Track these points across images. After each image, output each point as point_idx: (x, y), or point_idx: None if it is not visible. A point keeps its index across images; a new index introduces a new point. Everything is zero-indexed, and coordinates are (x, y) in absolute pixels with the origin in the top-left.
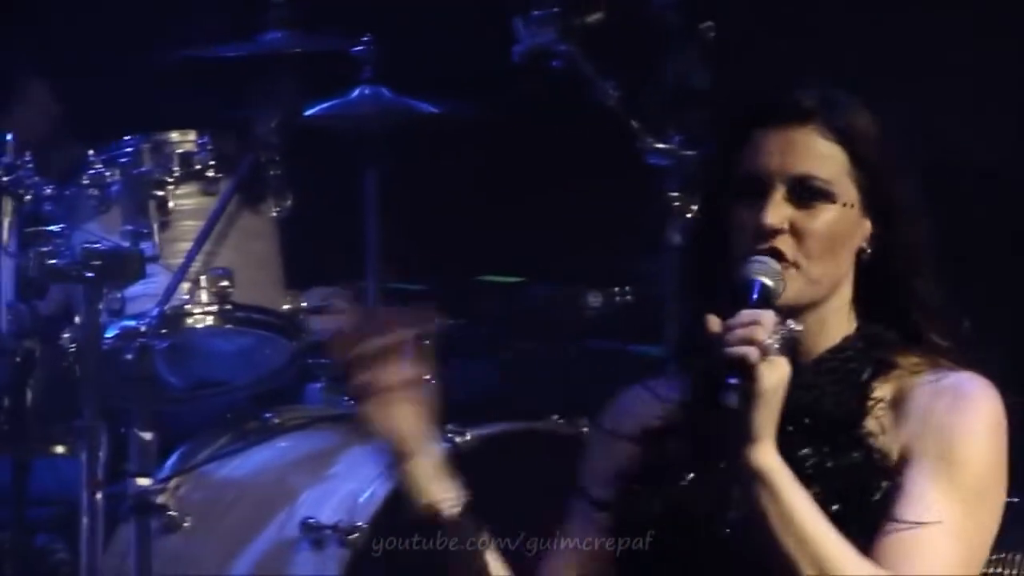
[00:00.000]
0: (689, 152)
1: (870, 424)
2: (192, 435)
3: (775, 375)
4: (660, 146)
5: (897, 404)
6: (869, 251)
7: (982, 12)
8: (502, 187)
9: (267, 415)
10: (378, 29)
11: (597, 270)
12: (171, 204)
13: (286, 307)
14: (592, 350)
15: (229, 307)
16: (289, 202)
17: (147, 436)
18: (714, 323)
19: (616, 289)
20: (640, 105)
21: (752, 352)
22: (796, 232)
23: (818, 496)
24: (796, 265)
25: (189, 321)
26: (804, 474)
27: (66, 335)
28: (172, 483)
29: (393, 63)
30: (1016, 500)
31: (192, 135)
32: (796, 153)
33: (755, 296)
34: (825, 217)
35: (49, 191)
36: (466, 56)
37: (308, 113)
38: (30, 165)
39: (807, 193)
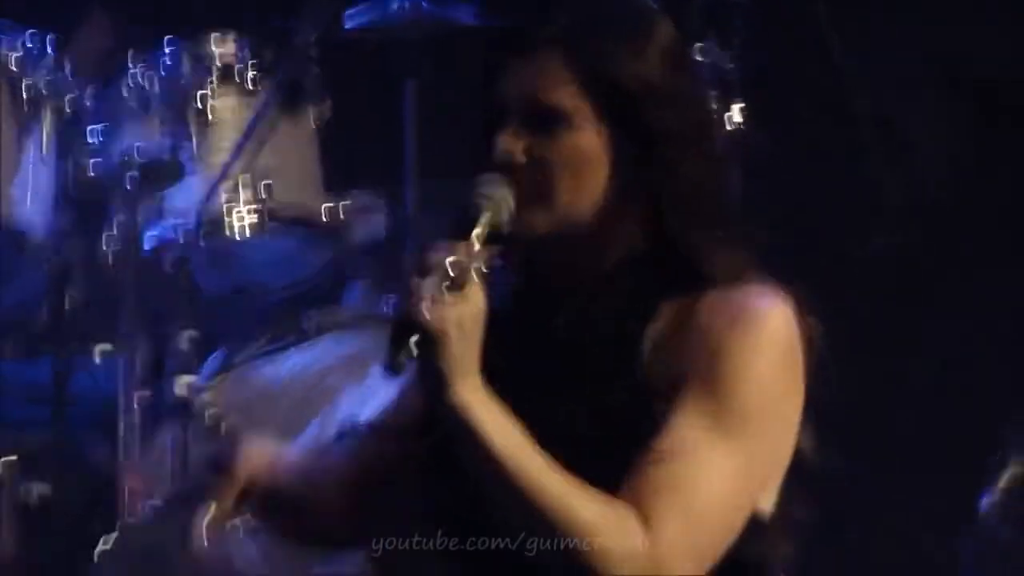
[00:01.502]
0: (728, 63)
1: (640, 351)
2: (232, 336)
3: (454, 319)
4: (698, 57)
5: (674, 329)
6: (639, 176)
7: None
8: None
9: (307, 317)
10: None
11: None
12: (210, 110)
13: (326, 208)
14: None
15: (269, 211)
16: (328, 108)
17: (187, 337)
18: (411, 263)
19: None
20: (679, 15)
21: (417, 310)
22: (531, 159)
23: (577, 431)
24: (539, 196)
25: (228, 225)
26: (563, 408)
27: (106, 241)
28: (213, 384)
29: None
30: None
31: (232, 41)
32: (532, 78)
33: (460, 229)
34: (562, 144)
35: (88, 96)
36: None
37: (349, 23)
38: (69, 71)
39: (538, 121)
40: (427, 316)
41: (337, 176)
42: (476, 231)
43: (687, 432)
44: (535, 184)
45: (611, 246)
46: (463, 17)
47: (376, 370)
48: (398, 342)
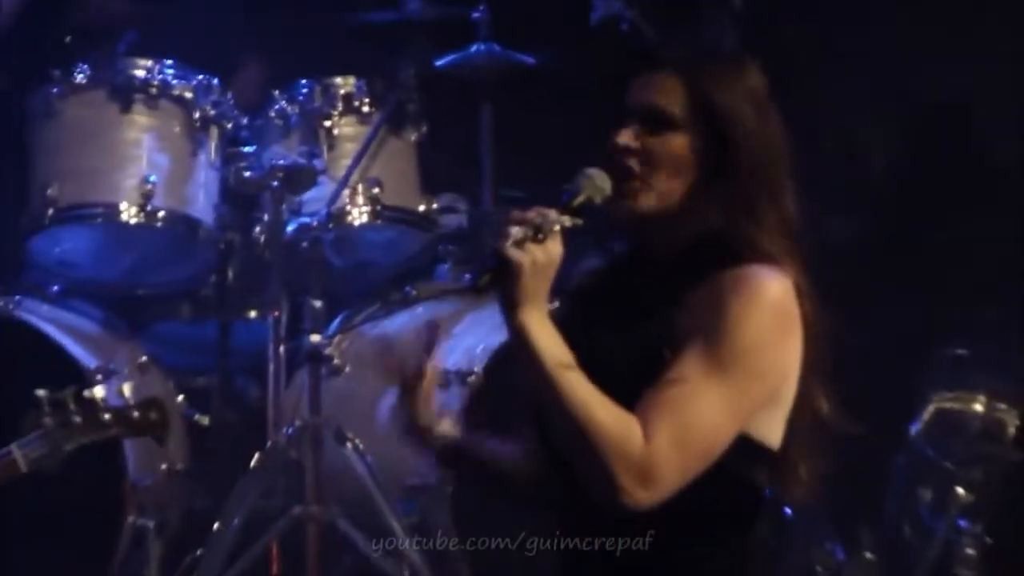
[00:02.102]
0: None
1: (681, 310)
2: (351, 303)
3: (532, 258)
4: None
5: (706, 292)
6: (714, 174)
7: None
8: (583, 116)
9: (407, 288)
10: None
11: None
12: (335, 131)
13: (421, 207)
14: None
15: (380, 207)
16: (424, 129)
17: (318, 304)
18: (512, 217)
19: None
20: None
21: (504, 245)
22: (642, 152)
23: (617, 366)
24: (640, 182)
25: (349, 218)
26: (615, 347)
27: (257, 229)
28: (336, 339)
29: (501, 26)
30: None
31: (352, 80)
32: (647, 90)
33: (563, 202)
34: (668, 142)
35: (245, 121)
36: (555, 21)
37: (440, 63)
38: (231, 101)
39: (652, 122)
40: (509, 252)
41: (430, 181)
42: (573, 200)
43: (688, 367)
44: (643, 171)
45: (682, 231)
46: (525, 59)
47: (465, 323)
48: (485, 268)
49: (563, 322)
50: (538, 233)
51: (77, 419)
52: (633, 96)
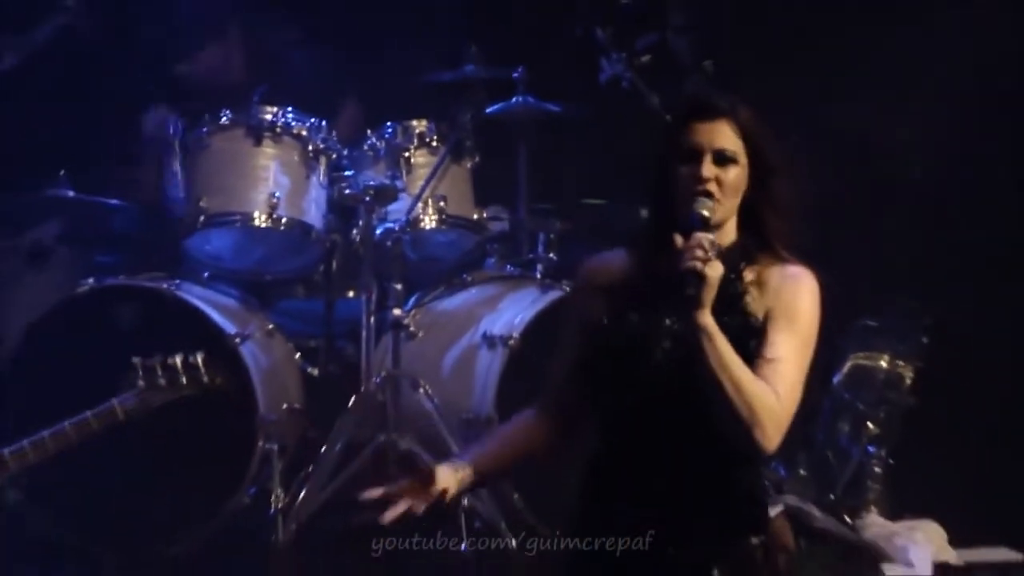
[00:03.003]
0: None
1: (746, 299)
2: (422, 286)
3: (715, 273)
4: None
5: (760, 285)
6: (752, 194)
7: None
8: (595, 149)
9: (464, 275)
10: (528, 63)
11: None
12: (412, 160)
13: (475, 216)
14: None
15: (444, 216)
16: (477, 159)
17: (398, 287)
18: (679, 241)
19: None
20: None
21: (699, 264)
22: (718, 182)
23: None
24: (718, 201)
25: (422, 224)
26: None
27: (354, 232)
28: (412, 312)
29: (535, 83)
30: None
31: (424, 122)
32: (716, 135)
33: (698, 223)
34: (733, 173)
35: (345, 152)
36: (575, 80)
37: (489, 110)
38: (334, 138)
39: (723, 159)
40: (706, 270)
41: (480, 196)
42: (699, 224)
43: (785, 347)
44: (719, 194)
45: (732, 233)
46: (552, 108)
47: (506, 301)
48: (690, 283)
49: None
50: (711, 254)
51: (162, 382)
52: (702, 138)
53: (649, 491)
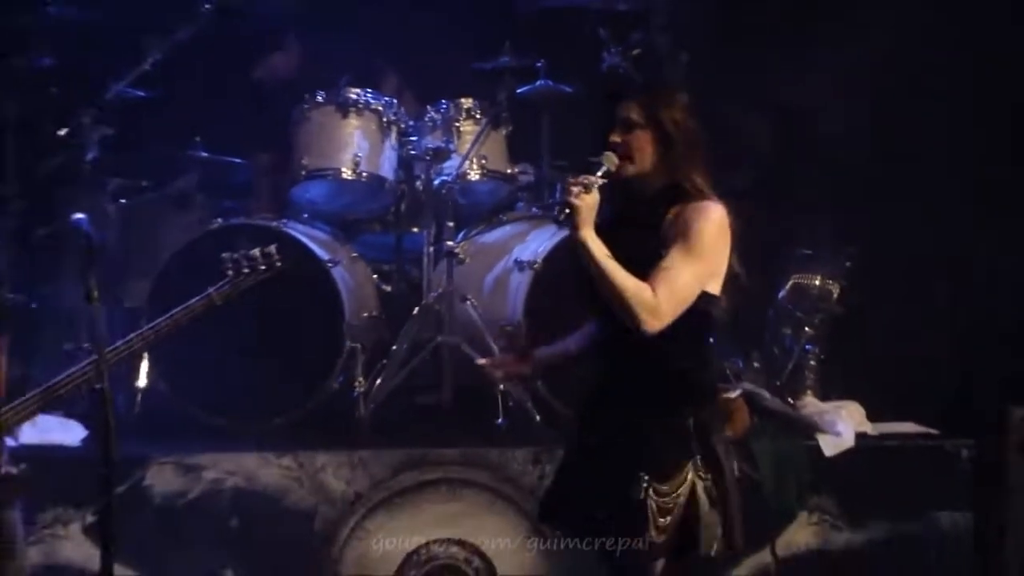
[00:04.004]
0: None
1: (662, 229)
2: (469, 223)
3: (584, 203)
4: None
5: (677, 216)
6: (665, 152)
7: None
8: (597, 120)
9: (501, 216)
10: (548, 55)
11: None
12: (461, 129)
13: (508, 170)
14: None
15: (485, 171)
16: (510, 127)
17: (451, 224)
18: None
19: None
20: None
21: (570, 197)
22: (627, 144)
23: (632, 257)
24: (628, 159)
25: (469, 177)
26: (626, 247)
27: (418, 183)
28: (461, 244)
29: (554, 71)
30: None
31: (471, 100)
32: (627, 110)
33: (600, 171)
34: (640, 138)
35: (411, 123)
36: (582, 68)
37: (519, 91)
38: (403, 112)
39: (629, 126)
40: (575, 200)
41: (513, 156)
42: (600, 171)
43: (673, 257)
44: (626, 155)
45: (651, 184)
46: (566, 89)
47: (532, 235)
48: (562, 209)
49: (599, 234)
50: (587, 189)
51: (246, 269)
52: (617, 113)
53: (611, 386)
